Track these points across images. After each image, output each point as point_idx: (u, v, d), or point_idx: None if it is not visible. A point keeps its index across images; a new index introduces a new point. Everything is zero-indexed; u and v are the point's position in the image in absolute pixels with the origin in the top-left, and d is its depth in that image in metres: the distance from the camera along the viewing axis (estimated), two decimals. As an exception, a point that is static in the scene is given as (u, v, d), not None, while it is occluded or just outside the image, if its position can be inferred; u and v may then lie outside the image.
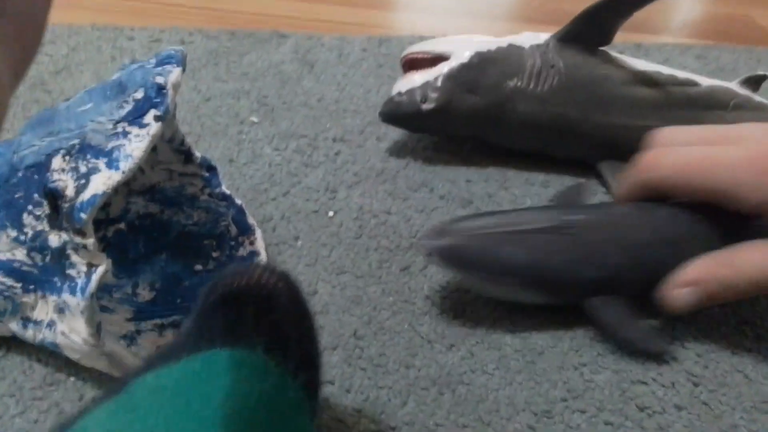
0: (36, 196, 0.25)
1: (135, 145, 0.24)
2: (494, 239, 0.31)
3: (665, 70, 0.43)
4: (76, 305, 0.24)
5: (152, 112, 0.25)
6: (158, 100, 0.25)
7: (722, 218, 0.32)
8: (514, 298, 0.34)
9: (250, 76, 0.52)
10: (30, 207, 0.25)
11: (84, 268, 0.24)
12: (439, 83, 0.42)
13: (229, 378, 0.17)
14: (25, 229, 0.25)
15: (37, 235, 0.25)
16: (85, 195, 0.23)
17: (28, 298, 0.27)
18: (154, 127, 0.25)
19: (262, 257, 0.35)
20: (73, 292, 0.24)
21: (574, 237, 0.32)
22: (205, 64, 0.53)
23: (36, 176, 0.25)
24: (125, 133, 0.24)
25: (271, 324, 0.19)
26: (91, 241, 0.23)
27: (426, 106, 0.42)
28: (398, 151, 0.46)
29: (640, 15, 0.40)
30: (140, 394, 0.17)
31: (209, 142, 0.45)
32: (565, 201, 0.41)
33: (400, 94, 0.43)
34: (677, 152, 0.32)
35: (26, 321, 0.27)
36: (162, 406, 0.16)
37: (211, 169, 0.36)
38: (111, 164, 0.24)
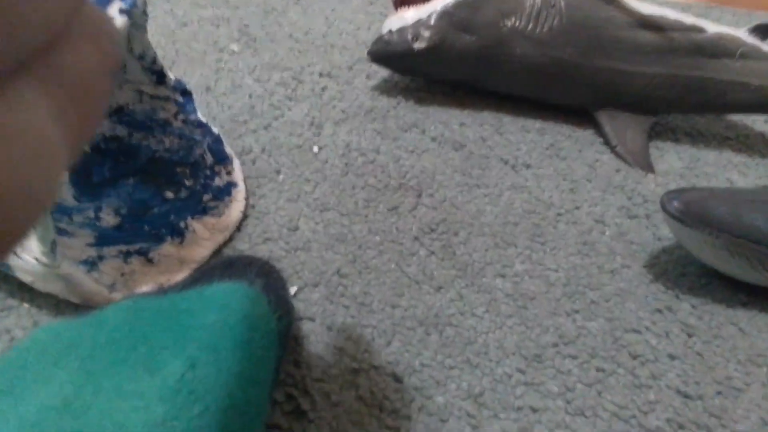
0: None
1: (97, 39, 0.21)
2: (737, 201, 0.29)
3: (672, 14, 0.40)
4: (27, 218, 0.22)
5: (117, 4, 0.22)
6: (125, -10, 0.22)
7: None
8: (744, 275, 0.31)
9: (231, 3, 0.48)
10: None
11: (37, 177, 0.21)
12: (432, 21, 0.39)
13: (234, 300, 0.22)
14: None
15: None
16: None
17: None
18: (119, 22, 0.22)
19: (240, 188, 0.32)
20: (24, 203, 0.22)
21: None
22: (182, -11, 0.49)
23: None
24: (86, 25, 0.21)
25: (266, 275, 0.25)
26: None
27: (417, 45, 0.40)
28: (389, 90, 0.43)
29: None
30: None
31: (184, 69, 0.41)
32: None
33: (390, 32, 0.40)
34: None
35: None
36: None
37: (186, 93, 0.33)
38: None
